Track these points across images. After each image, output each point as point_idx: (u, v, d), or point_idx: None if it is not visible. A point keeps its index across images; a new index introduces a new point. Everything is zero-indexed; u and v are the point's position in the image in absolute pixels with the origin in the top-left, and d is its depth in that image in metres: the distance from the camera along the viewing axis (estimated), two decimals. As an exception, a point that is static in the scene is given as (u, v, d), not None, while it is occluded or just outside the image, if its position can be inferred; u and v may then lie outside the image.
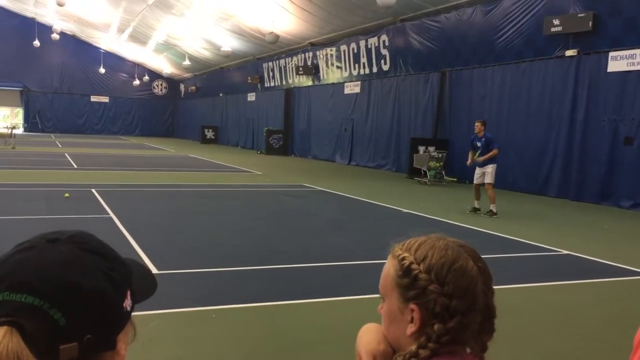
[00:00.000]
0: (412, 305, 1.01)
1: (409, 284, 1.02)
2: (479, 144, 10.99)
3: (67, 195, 10.91)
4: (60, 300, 0.72)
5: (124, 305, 0.80)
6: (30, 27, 40.76)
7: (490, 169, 10.85)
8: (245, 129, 35.07)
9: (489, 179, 10.79)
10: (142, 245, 7.09)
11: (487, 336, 1.06)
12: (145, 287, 0.87)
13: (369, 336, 1.11)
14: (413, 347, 1.00)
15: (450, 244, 1.06)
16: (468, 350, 1.04)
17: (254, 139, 33.60)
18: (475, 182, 11.11)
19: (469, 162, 11.30)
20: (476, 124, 11.14)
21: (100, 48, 45.18)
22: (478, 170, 11.03)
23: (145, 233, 7.97)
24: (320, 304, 5.23)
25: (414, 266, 1.03)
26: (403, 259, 1.05)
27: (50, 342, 0.71)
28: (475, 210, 10.99)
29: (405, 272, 1.03)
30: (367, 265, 6.50)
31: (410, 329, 1.02)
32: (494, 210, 10.71)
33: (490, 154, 10.81)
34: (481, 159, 10.90)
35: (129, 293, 0.81)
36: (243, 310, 4.97)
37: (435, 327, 0.99)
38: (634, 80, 12.51)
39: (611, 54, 12.98)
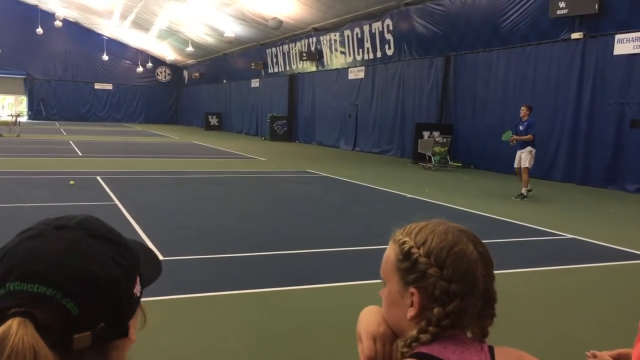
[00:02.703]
0: (412, 289, 1.02)
1: (409, 267, 1.03)
2: (521, 128, 11.23)
3: (72, 182, 10.95)
4: (72, 289, 0.71)
5: (134, 291, 0.79)
6: (33, 14, 40.64)
7: (526, 152, 11.10)
8: (249, 116, 34.99)
9: (525, 163, 11.07)
10: (148, 231, 7.12)
11: (488, 321, 1.06)
12: (151, 271, 0.87)
13: (369, 318, 1.13)
14: (414, 332, 1.01)
15: (450, 229, 1.06)
16: (469, 334, 1.04)
17: (258, 126, 33.55)
18: (515, 165, 11.36)
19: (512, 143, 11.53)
20: (522, 108, 11.37)
21: (103, 35, 45.04)
22: (517, 154, 11.30)
23: (151, 219, 7.99)
24: (325, 289, 5.25)
25: (414, 250, 1.03)
26: (403, 243, 1.06)
27: (63, 332, 0.70)
28: (528, 191, 11.17)
29: (405, 256, 1.04)
30: (371, 250, 6.51)
31: (411, 312, 1.02)
32: (524, 194, 11.04)
33: (523, 137, 11.07)
34: (513, 137, 11.24)
35: (138, 279, 0.81)
36: (249, 296, 4.99)
37: (435, 310, 1.00)
38: (641, 63, 12.41)
39: (617, 36, 12.85)
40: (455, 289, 0.99)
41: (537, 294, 5.33)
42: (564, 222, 8.76)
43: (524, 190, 11.06)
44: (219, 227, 7.74)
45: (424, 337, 1.00)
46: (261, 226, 7.94)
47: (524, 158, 11.07)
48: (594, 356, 2.26)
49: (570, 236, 7.76)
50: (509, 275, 5.61)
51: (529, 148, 11.10)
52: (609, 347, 2.35)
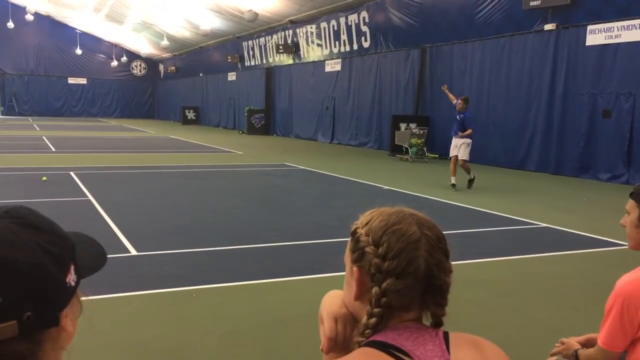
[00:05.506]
0: (355, 267, 1.05)
1: (354, 246, 1.07)
2: (458, 118, 11.11)
3: (44, 178, 10.77)
4: None
5: (67, 280, 0.77)
6: (4, 7, 39.79)
7: (465, 145, 10.91)
8: (227, 109, 34.79)
9: (462, 155, 10.89)
10: (122, 226, 7.02)
11: (439, 310, 1.03)
12: (92, 261, 0.84)
13: (331, 300, 1.15)
14: (365, 319, 1.01)
15: (401, 212, 1.06)
16: (428, 323, 1.04)
17: (236, 119, 33.37)
18: (451, 154, 11.10)
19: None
20: (458, 101, 11.10)
21: (76, 29, 44.30)
22: (455, 142, 11.06)
23: (125, 214, 7.89)
24: (303, 282, 5.24)
25: (359, 230, 1.07)
26: (355, 224, 1.09)
27: None
28: (454, 186, 10.93)
29: (352, 234, 1.08)
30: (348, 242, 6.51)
31: (353, 290, 1.04)
32: (472, 177, 10.89)
33: (466, 132, 10.92)
34: (460, 135, 11.02)
35: (72, 267, 0.78)
36: (226, 289, 4.96)
37: (373, 290, 1.00)
38: (612, 54, 12.59)
39: (589, 27, 13.02)
40: (388, 267, 1.00)
41: (510, 281, 5.39)
42: (538, 211, 8.87)
43: (454, 180, 10.86)
44: (195, 221, 7.68)
45: (372, 321, 1.00)
46: (238, 219, 7.90)
47: (463, 150, 10.89)
48: (562, 343, 2.29)
49: (544, 225, 7.86)
50: (482, 263, 5.66)
51: (468, 141, 10.95)
52: (581, 332, 2.38)
